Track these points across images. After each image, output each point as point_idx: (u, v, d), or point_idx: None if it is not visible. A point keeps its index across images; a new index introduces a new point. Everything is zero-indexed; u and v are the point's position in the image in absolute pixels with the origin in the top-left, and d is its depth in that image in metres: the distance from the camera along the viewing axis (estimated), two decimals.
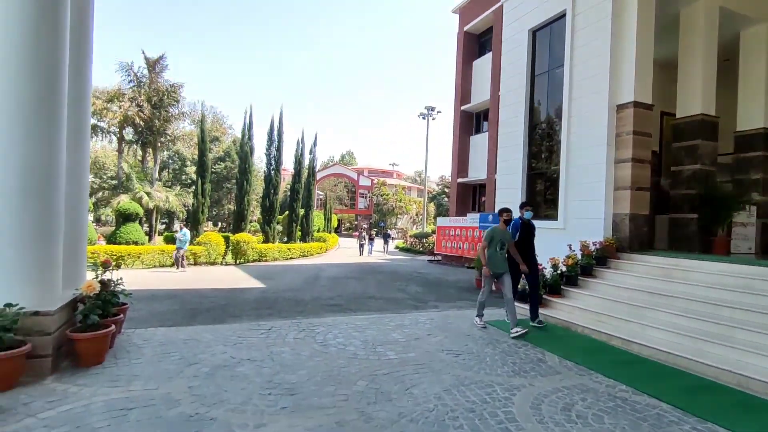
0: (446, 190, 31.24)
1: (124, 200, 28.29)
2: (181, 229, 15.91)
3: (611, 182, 8.52)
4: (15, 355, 3.51)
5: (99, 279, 4.72)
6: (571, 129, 9.44)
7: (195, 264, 17.45)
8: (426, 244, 32.44)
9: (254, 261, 19.70)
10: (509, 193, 11.32)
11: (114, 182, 31.22)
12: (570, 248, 8.24)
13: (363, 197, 67.53)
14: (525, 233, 7.06)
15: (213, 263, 18.04)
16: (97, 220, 43.46)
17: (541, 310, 7.24)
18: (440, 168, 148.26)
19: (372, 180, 66.29)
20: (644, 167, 8.38)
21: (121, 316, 4.97)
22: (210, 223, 56.83)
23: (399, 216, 64.65)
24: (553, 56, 10.37)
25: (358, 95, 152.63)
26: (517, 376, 4.43)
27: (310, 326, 6.19)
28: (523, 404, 3.72)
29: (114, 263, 15.31)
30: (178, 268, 15.13)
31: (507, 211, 6.72)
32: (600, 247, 8.07)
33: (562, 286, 7.80)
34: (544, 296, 7.70)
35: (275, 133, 22.63)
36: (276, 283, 11.97)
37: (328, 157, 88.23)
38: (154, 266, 16.10)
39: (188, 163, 48.97)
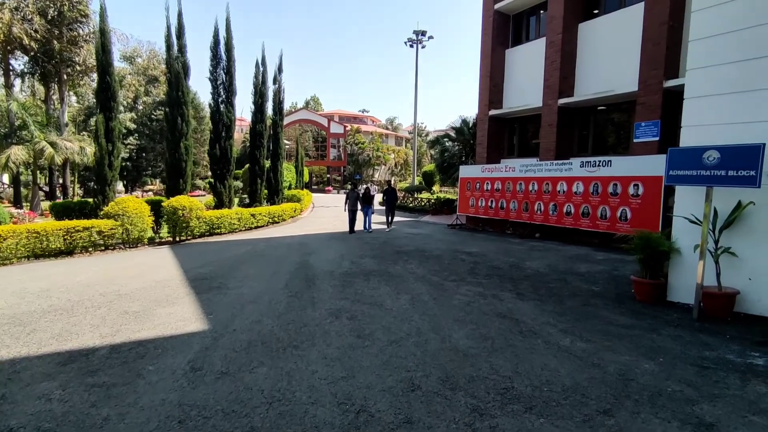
0: (450, 134, 25.29)
1: (17, 153, 20.63)
2: None
3: None
4: None
5: None
6: None
7: (105, 249, 11.00)
8: (421, 201, 26.87)
9: (203, 235, 13.37)
10: (729, 101, 5.47)
11: (5, 130, 22.96)
12: None
13: (334, 147, 60.32)
14: None
15: (135, 245, 11.62)
16: None
17: None
18: (419, 115, 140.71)
19: (345, 127, 58.79)
20: None
21: None
22: (158, 180, 48.25)
23: (376, 167, 58.16)
24: None
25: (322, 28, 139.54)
26: None
27: None
28: None
29: None
30: None
31: None
32: None
33: None
34: None
35: (222, 47, 15.38)
36: (229, 308, 5.83)
37: (290, 104, 78.86)
38: (27, 257, 9.62)
39: (122, 110, 39.79)
